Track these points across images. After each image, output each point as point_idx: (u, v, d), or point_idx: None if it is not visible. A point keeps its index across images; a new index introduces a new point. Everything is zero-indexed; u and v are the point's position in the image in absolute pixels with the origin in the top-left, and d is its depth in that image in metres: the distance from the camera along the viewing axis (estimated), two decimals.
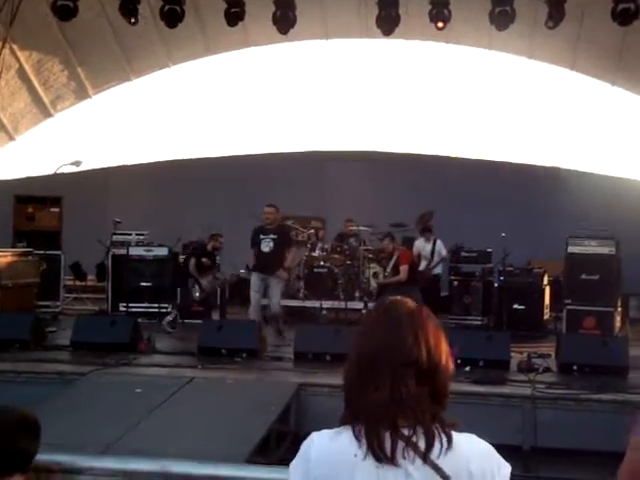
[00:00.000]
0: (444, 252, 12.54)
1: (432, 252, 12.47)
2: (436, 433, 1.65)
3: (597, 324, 10.27)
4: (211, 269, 11.74)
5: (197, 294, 11.53)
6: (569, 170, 16.19)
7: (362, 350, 1.75)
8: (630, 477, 1.96)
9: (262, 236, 10.59)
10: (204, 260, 11.61)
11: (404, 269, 11.01)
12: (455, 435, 1.67)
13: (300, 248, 13.06)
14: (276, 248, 10.52)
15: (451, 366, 1.78)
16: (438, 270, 12.60)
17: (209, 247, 11.84)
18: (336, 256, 12.67)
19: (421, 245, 12.66)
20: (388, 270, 11.51)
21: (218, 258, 12.21)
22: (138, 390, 7.06)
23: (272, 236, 10.58)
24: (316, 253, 12.69)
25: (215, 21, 14.07)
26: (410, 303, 1.83)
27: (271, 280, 10.54)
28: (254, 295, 10.45)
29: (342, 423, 1.72)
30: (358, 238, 13.00)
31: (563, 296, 10.90)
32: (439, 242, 12.58)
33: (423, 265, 12.42)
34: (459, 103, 17.30)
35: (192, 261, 11.61)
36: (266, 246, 10.54)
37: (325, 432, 1.75)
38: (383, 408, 1.65)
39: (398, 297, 1.86)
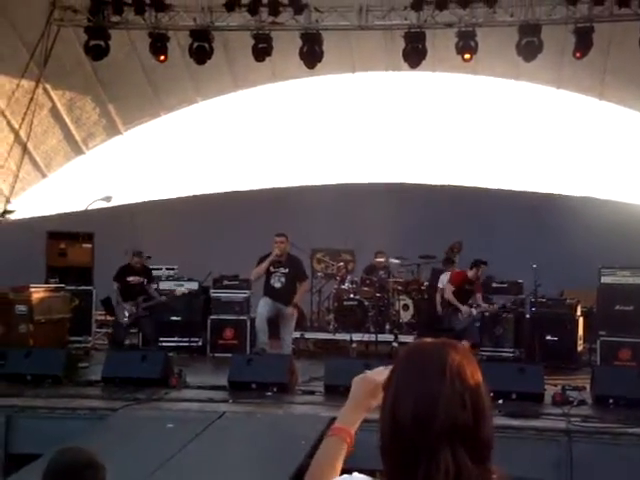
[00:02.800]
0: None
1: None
2: None
3: (632, 356, 10.10)
4: (143, 286, 11.43)
5: (125, 319, 11.23)
6: (601, 200, 16.08)
7: (397, 413, 1.60)
8: None
9: (272, 269, 10.42)
10: (131, 279, 11.33)
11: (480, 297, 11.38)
12: None
13: (329, 280, 13.09)
14: (287, 283, 10.39)
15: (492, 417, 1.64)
16: None
17: (133, 264, 11.49)
18: (366, 289, 12.62)
19: (445, 279, 12.45)
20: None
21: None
22: (170, 425, 7.07)
23: (283, 270, 10.43)
24: (346, 286, 12.64)
25: (243, 57, 14.28)
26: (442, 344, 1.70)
27: (285, 311, 10.37)
28: (261, 320, 10.17)
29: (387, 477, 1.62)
30: (388, 270, 12.97)
31: (597, 327, 10.76)
32: None
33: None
34: (487, 134, 17.31)
35: (115, 286, 11.39)
36: (277, 281, 10.36)
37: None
38: None
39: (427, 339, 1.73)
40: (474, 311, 11.23)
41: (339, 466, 1.90)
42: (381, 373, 1.82)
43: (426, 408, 1.58)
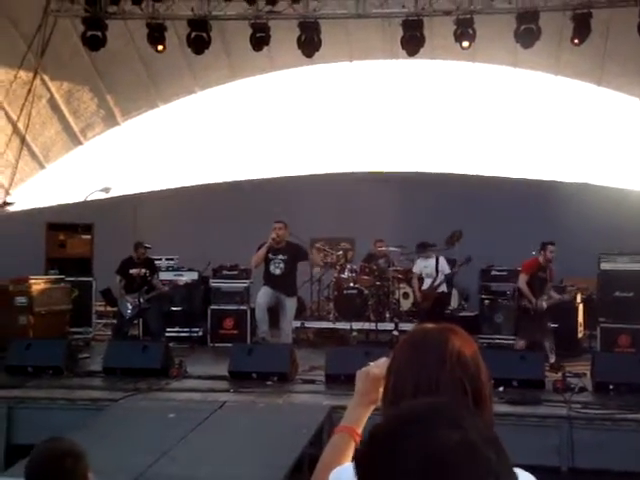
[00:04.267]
0: (447, 269, 12.24)
1: (436, 270, 12.04)
2: None
3: (632, 342, 10.11)
4: (145, 278, 11.35)
5: (129, 311, 11.19)
6: (599, 186, 16.07)
7: (395, 401, 1.63)
8: None
9: (271, 256, 10.34)
10: (133, 271, 11.26)
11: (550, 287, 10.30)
12: None
13: (328, 269, 13.09)
14: (287, 269, 10.36)
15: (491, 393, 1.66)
16: (443, 288, 12.16)
17: (135, 257, 11.39)
18: (365, 277, 12.62)
19: (422, 264, 12.29)
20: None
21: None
22: (171, 415, 7.08)
23: (281, 257, 10.38)
24: (345, 275, 12.65)
25: (241, 46, 14.22)
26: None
27: (286, 300, 10.32)
28: (261, 310, 10.13)
29: None
30: (388, 259, 12.97)
31: (597, 314, 10.77)
32: (442, 259, 12.26)
33: (427, 284, 12.14)
34: (486, 121, 17.27)
35: (117, 279, 11.33)
36: (276, 268, 10.31)
37: None
38: None
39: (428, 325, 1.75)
40: (545, 304, 10.04)
41: (347, 462, 1.91)
42: (383, 364, 1.82)
43: (426, 394, 1.58)
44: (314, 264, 13.01)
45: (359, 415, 1.99)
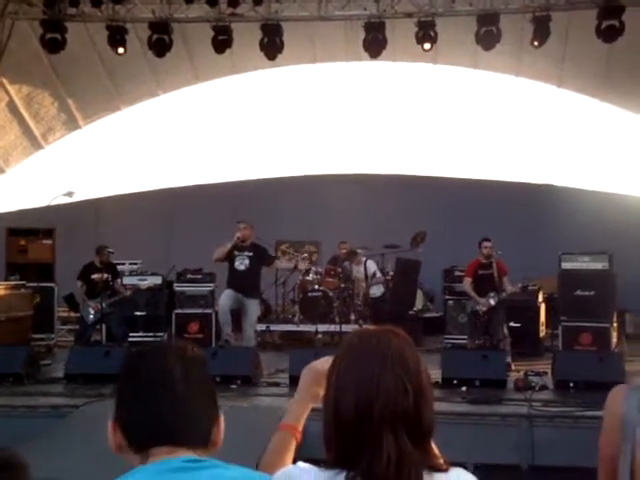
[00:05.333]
0: (378, 273, 12.36)
1: (365, 274, 12.23)
2: None
3: (593, 340, 10.23)
4: (108, 283, 11.31)
5: (91, 316, 11.16)
6: (561, 187, 16.26)
7: (336, 405, 1.65)
8: None
9: (236, 252, 10.30)
10: (95, 277, 11.19)
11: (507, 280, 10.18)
12: (444, 477, 1.65)
13: (292, 273, 13.07)
14: (252, 267, 10.33)
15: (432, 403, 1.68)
16: (376, 293, 12.35)
17: (97, 262, 11.37)
18: (330, 279, 12.64)
19: (355, 270, 12.44)
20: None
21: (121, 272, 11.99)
22: None
23: (247, 253, 10.37)
24: (310, 277, 12.65)
25: (204, 49, 14.14)
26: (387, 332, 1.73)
27: (248, 302, 10.26)
28: (224, 312, 10.11)
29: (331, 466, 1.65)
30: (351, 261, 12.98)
31: (558, 313, 10.89)
32: (369, 262, 12.35)
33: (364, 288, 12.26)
34: (448, 123, 17.39)
35: (78, 284, 11.27)
36: (241, 264, 10.26)
37: (315, 471, 1.67)
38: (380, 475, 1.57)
39: (370, 328, 1.77)
40: (492, 301, 10.01)
41: (289, 460, 1.92)
42: (327, 361, 1.83)
43: (368, 393, 1.60)
44: (281, 268, 12.97)
45: (300, 412, 2.00)
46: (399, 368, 1.63)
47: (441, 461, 1.66)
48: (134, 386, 1.70)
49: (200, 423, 1.71)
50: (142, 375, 1.70)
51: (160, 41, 13.27)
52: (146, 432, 1.68)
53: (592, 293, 10.48)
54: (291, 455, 1.94)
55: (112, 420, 1.71)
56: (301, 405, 2.01)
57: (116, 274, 11.54)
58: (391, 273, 12.95)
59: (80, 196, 17.80)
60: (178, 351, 1.74)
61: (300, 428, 1.99)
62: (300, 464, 1.72)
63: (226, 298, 10.23)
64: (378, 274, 12.29)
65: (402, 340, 1.70)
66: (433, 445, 1.86)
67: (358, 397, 1.61)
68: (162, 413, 1.67)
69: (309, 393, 1.99)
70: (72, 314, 14.10)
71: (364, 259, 12.36)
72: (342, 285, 12.58)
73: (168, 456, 1.64)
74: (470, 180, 16.43)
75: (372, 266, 12.35)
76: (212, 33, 13.24)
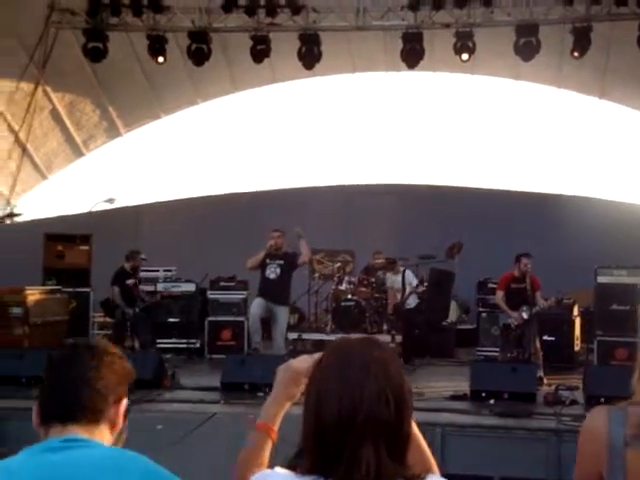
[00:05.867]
0: (415, 282, 12.16)
1: (403, 284, 12.04)
2: None
3: (629, 355, 10.02)
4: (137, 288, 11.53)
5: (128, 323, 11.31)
6: (601, 199, 16.03)
7: (318, 411, 1.64)
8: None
9: (268, 261, 10.35)
10: (129, 282, 11.35)
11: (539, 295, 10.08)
12: None
13: (326, 281, 13.07)
14: (283, 275, 10.34)
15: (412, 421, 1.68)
16: (412, 303, 12.12)
17: (127, 268, 11.54)
18: (363, 289, 12.59)
19: (391, 279, 12.29)
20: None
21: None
22: (159, 427, 7.06)
23: (279, 262, 10.39)
24: (343, 287, 12.62)
25: (242, 58, 14.28)
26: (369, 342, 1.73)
27: (278, 310, 10.27)
28: (254, 320, 10.15)
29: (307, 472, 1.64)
30: (386, 271, 12.93)
31: (594, 327, 10.72)
32: (408, 272, 12.17)
33: (398, 298, 12.06)
34: (488, 134, 17.26)
35: (115, 290, 11.37)
36: (272, 272, 10.29)
37: (292, 477, 1.66)
38: None
39: (352, 337, 1.77)
40: (525, 314, 9.87)
41: (265, 460, 1.91)
42: (304, 361, 1.83)
43: (352, 400, 1.60)
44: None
45: (276, 412, 1.99)
46: (382, 378, 1.63)
47: (416, 472, 1.64)
48: (47, 370, 1.95)
49: (92, 403, 1.89)
50: (54, 361, 1.97)
51: (199, 50, 13.46)
52: (46, 410, 1.91)
53: (628, 307, 10.29)
54: (267, 455, 1.93)
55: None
56: (277, 404, 2.00)
57: (138, 279, 11.73)
58: (425, 284, 12.84)
59: (120, 203, 18.04)
60: (92, 345, 2.00)
61: (276, 428, 1.98)
62: (277, 469, 1.72)
63: (256, 306, 10.27)
64: (415, 283, 12.18)
65: (384, 351, 1.69)
66: (426, 449, 1.86)
67: (342, 403, 1.60)
68: (58, 393, 1.90)
69: (285, 392, 1.98)
70: (108, 319, 14.28)
71: (402, 269, 12.26)
72: (375, 295, 12.54)
73: (59, 434, 1.85)
74: (509, 192, 16.26)
75: (411, 276, 12.24)
76: (251, 42, 13.36)
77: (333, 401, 1.62)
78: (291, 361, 1.98)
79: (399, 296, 12.24)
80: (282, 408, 1.99)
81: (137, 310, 11.15)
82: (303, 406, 1.69)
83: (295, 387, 1.91)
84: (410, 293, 12.06)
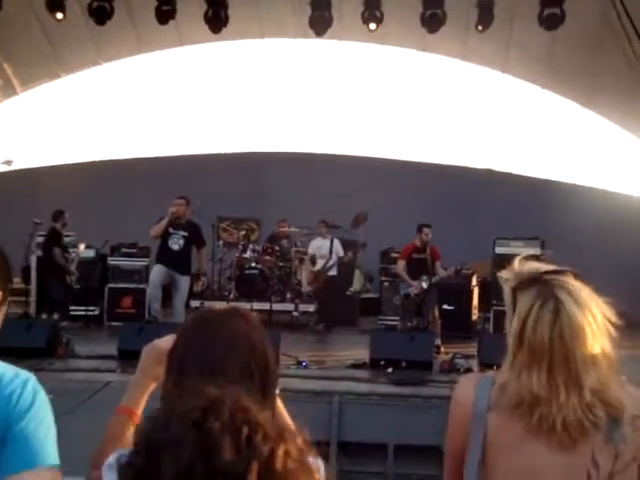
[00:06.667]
0: (341, 252, 12.25)
1: (330, 251, 12.10)
2: None
3: None
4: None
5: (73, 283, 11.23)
6: (503, 172, 16.41)
7: (179, 383, 1.59)
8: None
9: (171, 230, 10.12)
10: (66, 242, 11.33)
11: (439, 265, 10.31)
12: None
13: (230, 249, 12.96)
14: (186, 246, 10.17)
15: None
16: (334, 272, 12.15)
17: (59, 227, 11.42)
18: (268, 257, 12.55)
19: (316, 244, 12.31)
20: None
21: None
22: (50, 396, 6.83)
23: (183, 233, 10.19)
24: (247, 255, 12.55)
25: (147, 19, 13.81)
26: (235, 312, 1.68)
27: (179, 279, 10.09)
28: (154, 288, 10.04)
29: None
30: (290, 239, 12.93)
31: (490, 297, 11.00)
32: (336, 241, 12.27)
33: (320, 265, 12.11)
34: (393, 104, 17.33)
35: (56, 251, 11.15)
36: (175, 243, 10.10)
37: None
38: None
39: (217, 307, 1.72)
40: (424, 284, 10.10)
41: (127, 444, 1.83)
42: (170, 340, 1.75)
43: (212, 376, 1.51)
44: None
45: (140, 394, 1.92)
46: (247, 353, 1.57)
47: None
48: None
49: None
50: None
51: (101, 8, 12.98)
52: None
53: None
54: (128, 440, 1.85)
55: None
56: (141, 386, 1.92)
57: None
58: (349, 254, 12.76)
59: (17, 165, 17.31)
60: None
61: (139, 411, 1.90)
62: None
63: (157, 274, 10.08)
64: (341, 253, 12.15)
65: (251, 324, 1.63)
66: (288, 421, 1.81)
67: (202, 378, 1.53)
68: None
69: (150, 374, 1.90)
70: None
71: (330, 237, 12.17)
72: (280, 264, 12.52)
73: None
74: (411, 162, 16.47)
75: (338, 245, 12.20)
76: (156, 3, 12.96)
77: (194, 374, 1.55)
78: (156, 341, 1.90)
79: (318, 263, 12.08)
80: (147, 389, 1.92)
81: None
82: (163, 380, 1.62)
83: (160, 367, 1.82)
84: (335, 262, 12.03)
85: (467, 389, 1.97)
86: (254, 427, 1.03)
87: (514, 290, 1.91)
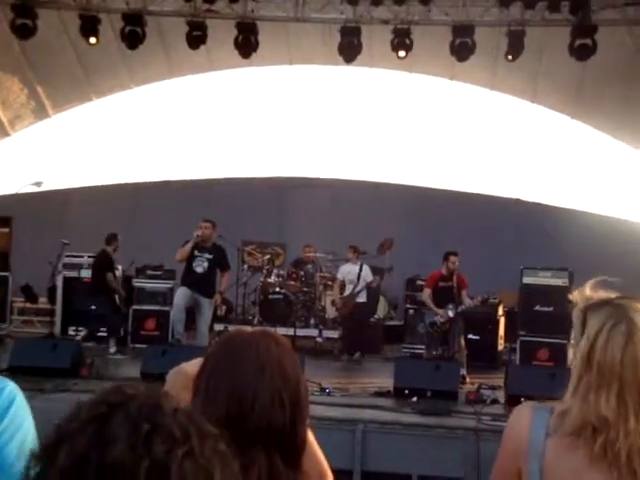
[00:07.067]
0: (370, 278, 12.11)
1: (358, 277, 11.86)
2: None
3: (550, 356, 10.21)
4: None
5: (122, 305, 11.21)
6: (532, 203, 16.29)
7: (206, 411, 1.50)
8: None
9: (197, 252, 10.14)
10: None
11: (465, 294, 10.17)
12: None
13: (255, 273, 12.95)
14: (210, 269, 10.18)
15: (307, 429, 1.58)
16: (362, 298, 11.92)
17: (110, 251, 11.25)
18: (292, 282, 12.52)
19: (346, 270, 12.11)
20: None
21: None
22: None
23: (207, 255, 10.19)
24: (272, 279, 12.53)
25: (179, 44, 13.98)
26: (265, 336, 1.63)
27: (203, 301, 10.10)
28: (178, 310, 10.01)
29: None
30: (315, 265, 12.89)
31: (517, 327, 10.86)
32: (365, 267, 12.07)
33: (348, 290, 11.89)
34: (421, 132, 17.34)
35: (109, 276, 11.06)
36: (199, 266, 10.10)
37: None
38: None
39: (245, 329, 1.67)
40: (450, 313, 9.98)
41: None
42: (197, 364, 1.71)
43: (241, 405, 1.48)
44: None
45: None
46: (278, 380, 1.52)
47: (311, 478, 1.55)
48: None
49: None
50: None
51: (133, 33, 13.10)
52: None
53: (551, 309, 10.45)
54: None
55: None
56: None
57: None
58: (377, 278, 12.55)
59: (47, 186, 17.50)
60: None
61: None
62: None
63: (181, 296, 10.08)
64: (369, 279, 11.94)
65: (282, 347, 1.58)
66: (320, 454, 1.76)
67: (230, 408, 1.49)
68: None
69: (176, 398, 1.85)
70: (29, 305, 13.88)
71: (360, 262, 12.02)
72: (304, 289, 12.48)
73: None
74: (439, 190, 16.40)
75: (367, 271, 12.01)
76: (187, 28, 13.10)
77: (221, 404, 1.50)
78: (182, 364, 1.85)
79: (347, 289, 11.92)
80: None
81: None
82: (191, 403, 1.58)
83: (187, 392, 1.77)
84: (363, 287, 11.88)
85: (523, 416, 1.90)
86: (156, 425, 0.98)
87: (584, 311, 1.85)
